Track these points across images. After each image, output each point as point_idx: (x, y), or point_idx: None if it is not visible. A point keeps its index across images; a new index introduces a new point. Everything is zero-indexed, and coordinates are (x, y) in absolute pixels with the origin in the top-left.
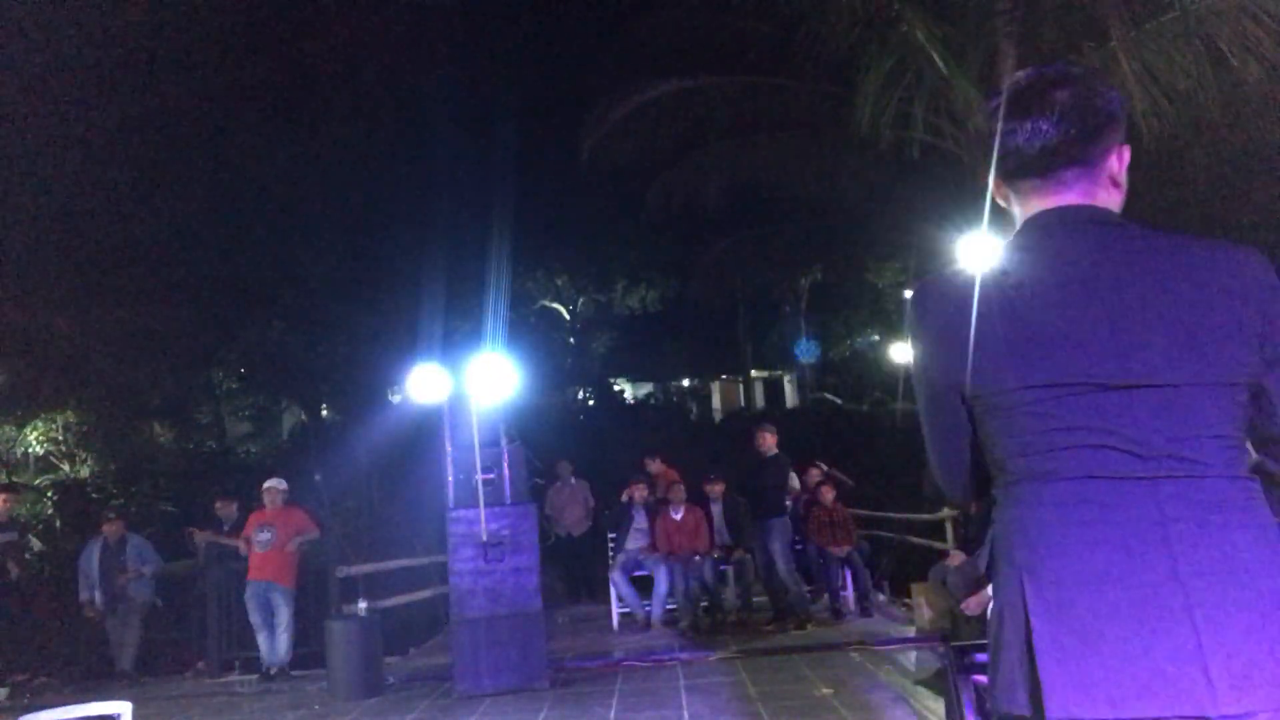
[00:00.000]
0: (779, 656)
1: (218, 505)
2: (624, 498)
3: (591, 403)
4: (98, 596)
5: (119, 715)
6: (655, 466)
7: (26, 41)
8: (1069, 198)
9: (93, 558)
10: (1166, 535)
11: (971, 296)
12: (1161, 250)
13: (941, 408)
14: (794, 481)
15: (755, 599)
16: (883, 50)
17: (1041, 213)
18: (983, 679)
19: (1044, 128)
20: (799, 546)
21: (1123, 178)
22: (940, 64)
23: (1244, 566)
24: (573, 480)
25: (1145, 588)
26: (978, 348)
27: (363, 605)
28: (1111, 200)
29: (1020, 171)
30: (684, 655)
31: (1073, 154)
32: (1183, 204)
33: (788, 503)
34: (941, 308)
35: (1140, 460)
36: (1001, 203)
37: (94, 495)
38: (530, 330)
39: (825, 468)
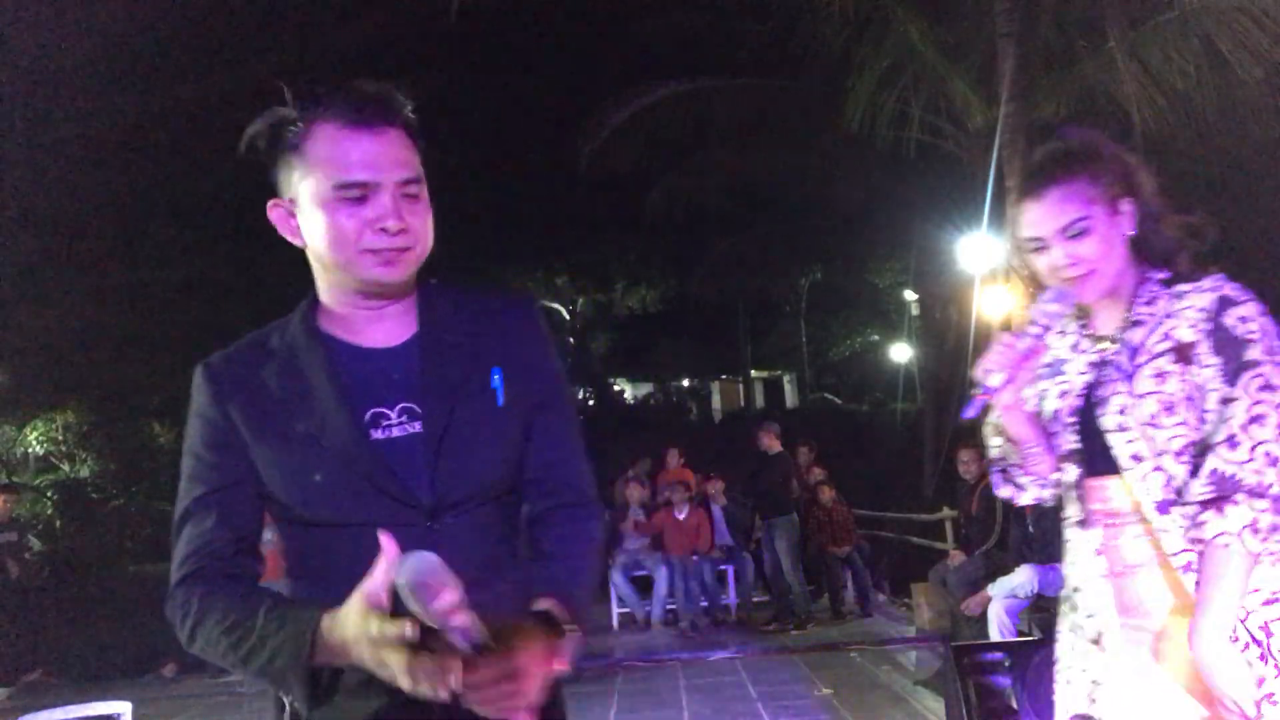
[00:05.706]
0: (779, 656)
1: None
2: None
3: (591, 403)
4: None
5: (119, 715)
6: (674, 459)
7: (28, 42)
8: None
9: None
10: None
11: None
12: None
13: None
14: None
15: (755, 599)
16: (877, 51)
17: None
18: (983, 679)
19: None
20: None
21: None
22: (937, 64)
23: None
24: None
25: None
26: None
27: None
28: None
29: None
30: (684, 655)
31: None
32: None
33: None
34: None
35: None
36: None
37: (94, 495)
38: None
39: (811, 452)
